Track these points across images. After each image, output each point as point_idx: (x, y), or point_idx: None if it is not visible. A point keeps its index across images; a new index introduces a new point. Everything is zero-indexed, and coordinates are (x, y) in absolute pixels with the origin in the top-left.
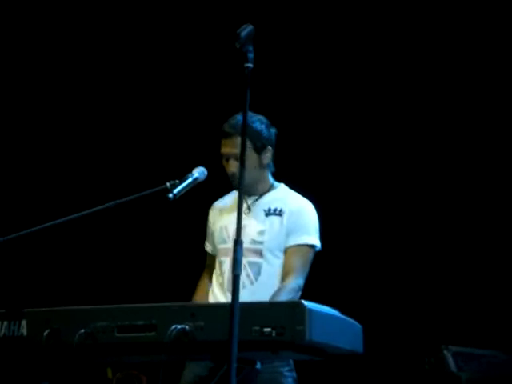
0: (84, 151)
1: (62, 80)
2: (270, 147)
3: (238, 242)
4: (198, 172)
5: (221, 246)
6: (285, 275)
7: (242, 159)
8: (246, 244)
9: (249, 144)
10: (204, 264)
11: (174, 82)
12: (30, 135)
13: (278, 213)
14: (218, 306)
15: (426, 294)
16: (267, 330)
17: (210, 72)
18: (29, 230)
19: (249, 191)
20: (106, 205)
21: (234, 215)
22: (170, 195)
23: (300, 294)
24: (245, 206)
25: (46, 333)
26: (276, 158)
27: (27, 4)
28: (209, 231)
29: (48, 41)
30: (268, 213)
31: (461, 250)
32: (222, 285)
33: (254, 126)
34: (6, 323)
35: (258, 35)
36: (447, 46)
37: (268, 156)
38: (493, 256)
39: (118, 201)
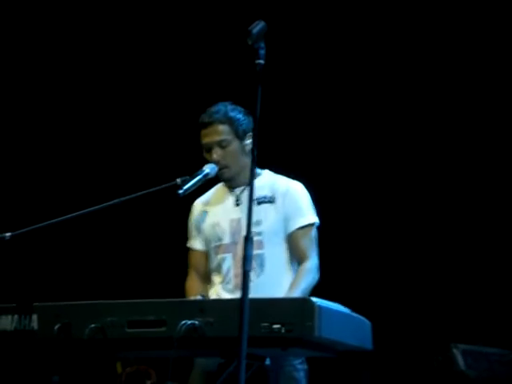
0: (94, 148)
1: (67, 77)
2: (250, 133)
3: (248, 238)
4: (209, 168)
5: (217, 244)
6: (300, 259)
7: (253, 155)
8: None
9: (230, 131)
10: (187, 263)
11: (186, 79)
12: (39, 131)
13: (270, 200)
14: (228, 302)
15: (436, 292)
16: (276, 326)
17: (221, 68)
18: (39, 225)
19: (236, 181)
20: (115, 201)
21: (223, 210)
22: (180, 191)
23: (319, 273)
24: (234, 197)
25: (56, 327)
26: (281, 149)
27: (27, 4)
28: (194, 228)
29: (48, 41)
30: (259, 201)
31: (470, 248)
32: (228, 283)
33: (231, 114)
34: (16, 317)
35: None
36: (447, 46)
37: (249, 142)
38: (502, 254)
39: (125, 197)
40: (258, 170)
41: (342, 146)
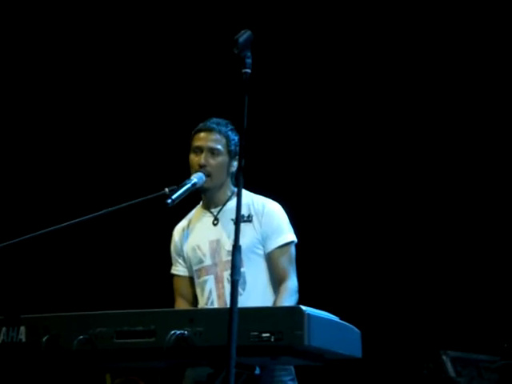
0: (82, 157)
1: (59, 87)
2: (237, 157)
3: (236, 247)
4: (197, 177)
5: (198, 267)
6: (280, 279)
7: (240, 164)
8: (224, 257)
9: (225, 144)
10: (172, 290)
11: (173, 89)
12: (28, 142)
13: (247, 219)
14: (217, 312)
15: (425, 300)
16: (266, 335)
17: (209, 78)
18: (26, 237)
19: (212, 199)
20: (103, 211)
21: (202, 232)
22: (169, 201)
23: (298, 293)
24: (211, 218)
25: (44, 339)
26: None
27: (27, 4)
28: (176, 254)
29: (48, 41)
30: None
31: (458, 256)
32: (211, 305)
33: (230, 132)
34: (4, 329)
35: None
36: (447, 46)
37: (235, 165)
38: (490, 261)
39: (114, 207)
40: (235, 189)
41: (322, 160)
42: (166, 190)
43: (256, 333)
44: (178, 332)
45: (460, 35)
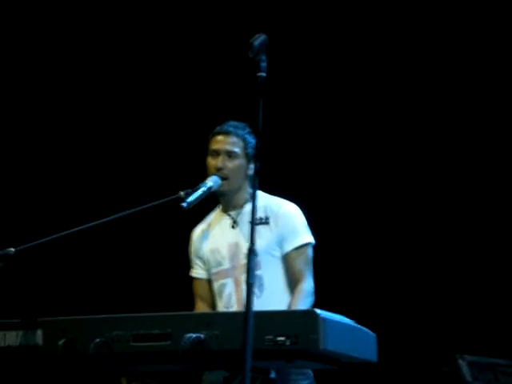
0: (98, 163)
1: (76, 91)
2: (253, 160)
3: (251, 249)
4: (212, 181)
5: (217, 270)
6: (295, 281)
7: (256, 168)
8: (242, 260)
9: (242, 147)
10: (192, 293)
11: (190, 92)
12: (42, 145)
13: (264, 221)
14: (233, 315)
15: (441, 303)
16: (281, 338)
17: (224, 82)
18: (43, 240)
19: (231, 202)
20: (120, 214)
21: (221, 235)
22: (184, 204)
23: (314, 295)
24: (230, 221)
25: (61, 342)
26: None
27: (27, 4)
28: (194, 256)
29: (48, 41)
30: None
31: (475, 260)
32: (230, 308)
33: (247, 135)
34: (21, 332)
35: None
36: (447, 46)
37: (252, 168)
38: (507, 266)
39: (129, 211)
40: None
41: (340, 163)
42: (181, 193)
43: (271, 336)
44: (194, 335)
45: (460, 35)
